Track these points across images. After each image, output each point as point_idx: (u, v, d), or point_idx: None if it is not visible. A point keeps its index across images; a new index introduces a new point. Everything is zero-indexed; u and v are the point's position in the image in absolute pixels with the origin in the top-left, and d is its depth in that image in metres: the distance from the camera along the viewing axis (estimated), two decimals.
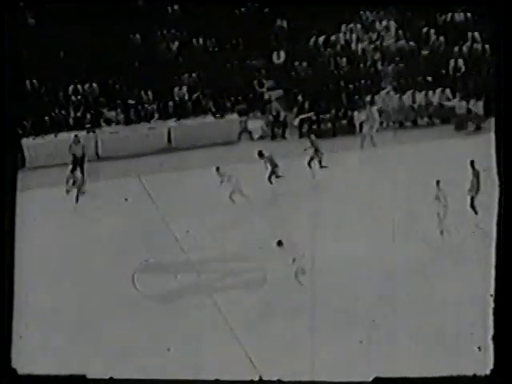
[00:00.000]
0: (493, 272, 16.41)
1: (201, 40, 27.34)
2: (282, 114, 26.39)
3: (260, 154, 23.13)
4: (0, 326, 16.34)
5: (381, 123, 25.48)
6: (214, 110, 26.46)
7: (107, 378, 16.56)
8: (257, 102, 26.83)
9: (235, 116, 26.34)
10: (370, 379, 16.25)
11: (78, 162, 23.78)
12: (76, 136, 24.45)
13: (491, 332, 16.25)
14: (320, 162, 23.41)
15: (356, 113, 25.92)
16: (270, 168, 22.93)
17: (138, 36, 27.02)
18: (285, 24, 27.58)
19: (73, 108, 26.07)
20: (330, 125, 26.10)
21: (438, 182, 20.54)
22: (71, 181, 22.66)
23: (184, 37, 27.41)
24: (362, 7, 27.34)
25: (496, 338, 16.17)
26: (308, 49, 27.45)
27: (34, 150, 24.75)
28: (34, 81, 25.95)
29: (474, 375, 16.25)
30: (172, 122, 26.21)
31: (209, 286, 19.29)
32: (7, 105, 17.00)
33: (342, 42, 27.44)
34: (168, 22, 27.31)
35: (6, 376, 16.29)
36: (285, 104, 26.84)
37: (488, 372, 16.14)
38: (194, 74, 26.95)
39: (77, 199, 22.36)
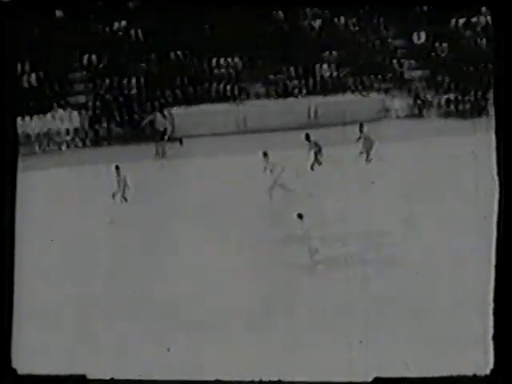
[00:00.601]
0: (493, 272, 16.41)
1: (342, 19, 27.86)
2: (423, 94, 26.83)
3: (307, 137, 23.34)
4: (0, 326, 16.35)
5: None
6: (355, 87, 26.95)
7: (107, 378, 16.57)
8: (398, 81, 27.41)
9: (376, 94, 26.79)
10: (370, 379, 16.26)
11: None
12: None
13: (491, 332, 16.25)
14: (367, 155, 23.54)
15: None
16: (313, 153, 23.12)
17: (280, 13, 27.57)
18: (425, 6, 27.84)
19: (216, 80, 27.08)
20: (470, 105, 26.39)
21: None
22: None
23: (326, 15, 28.02)
24: None
25: (496, 338, 16.17)
26: (449, 30, 27.80)
27: (178, 119, 25.86)
28: (179, 53, 26.96)
29: (474, 375, 16.25)
30: (315, 98, 26.65)
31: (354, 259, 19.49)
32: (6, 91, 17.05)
33: (483, 23, 27.58)
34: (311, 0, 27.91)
35: (6, 376, 16.29)
36: (425, 84, 27.38)
37: (488, 372, 16.14)
38: (336, 52, 27.59)
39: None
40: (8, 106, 17.18)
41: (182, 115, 26.03)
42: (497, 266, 16.42)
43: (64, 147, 25.56)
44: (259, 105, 26.58)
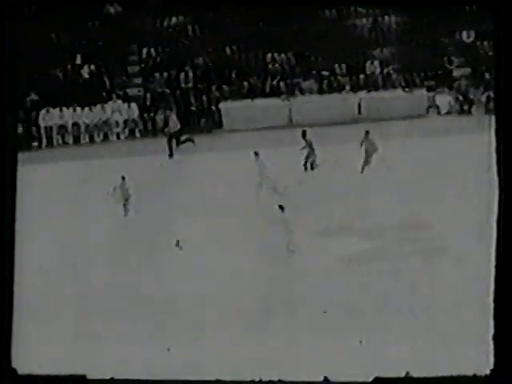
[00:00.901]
0: (493, 272, 16.40)
1: (393, 17, 28.34)
2: (470, 91, 27.07)
3: (304, 134, 23.44)
4: (0, 326, 16.34)
5: None
6: (403, 84, 27.23)
7: (107, 378, 16.56)
8: (445, 79, 27.79)
9: (423, 91, 27.05)
10: (370, 379, 16.25)
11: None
12: None
13: (491, 332, 16.24)
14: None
15: None
16: (306, 152, 23.22)
17: (334, 11, 28.35)
18: (474, 6, 28.02)
19: (269, 76, 27.91)
20: None
21: None
22: None
23: (376, 14, 28.63)
24: None
25: (496, 338, 16.16)
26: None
27: (231, 113, 26.71)
28: (234, 47, 27.85)
29: (474, 375, 16.24)
30: (363, 94, 27.01)
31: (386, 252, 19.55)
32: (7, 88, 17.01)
33: None
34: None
35: (6, 376, 16.28)
36: (472, 81, 27.67)
37: (488, 372, 16.13)
38: (385, 50, 27.92)
39: None
40: (9, 103, 17.17)
41: (228, 109, 26.28)
42: (497, 266, 16.40)
43: (115, 137, 25.99)
44: (306, 100, 26.82)
